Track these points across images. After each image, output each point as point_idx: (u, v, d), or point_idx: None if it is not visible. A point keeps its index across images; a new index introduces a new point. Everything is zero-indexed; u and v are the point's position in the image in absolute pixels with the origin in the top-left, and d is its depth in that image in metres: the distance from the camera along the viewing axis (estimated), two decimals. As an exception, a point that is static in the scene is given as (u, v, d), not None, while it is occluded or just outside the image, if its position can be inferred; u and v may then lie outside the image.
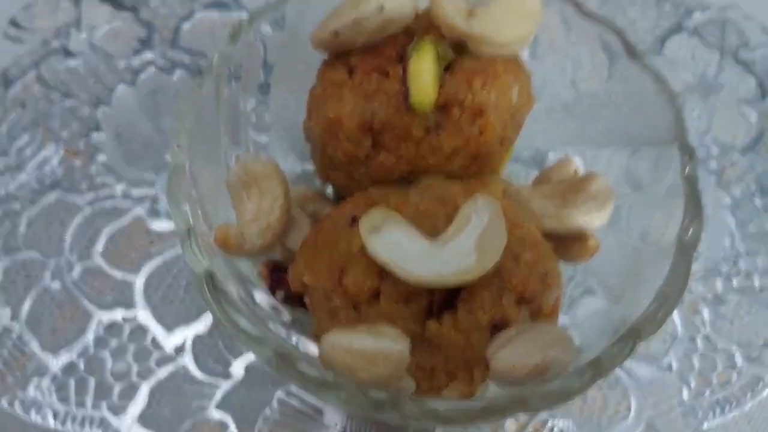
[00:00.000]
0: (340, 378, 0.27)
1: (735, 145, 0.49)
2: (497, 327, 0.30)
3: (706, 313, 0.43)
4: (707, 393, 0.41)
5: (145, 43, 0.51)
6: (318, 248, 0.33)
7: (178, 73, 0.50)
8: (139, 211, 0.45)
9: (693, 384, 0.41)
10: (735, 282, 0.44)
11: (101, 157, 0.46)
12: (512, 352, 0.27)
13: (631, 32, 0.53)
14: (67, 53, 0.50)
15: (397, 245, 0.29)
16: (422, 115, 0.33)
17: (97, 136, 0.47)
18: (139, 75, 0.50)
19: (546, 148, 0.43)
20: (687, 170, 0.32)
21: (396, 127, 0.33)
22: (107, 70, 0.50)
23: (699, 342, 0.42)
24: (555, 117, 0.41)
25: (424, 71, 0.32)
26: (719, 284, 0.44)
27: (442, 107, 0.33)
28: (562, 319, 0.38)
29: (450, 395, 0.31)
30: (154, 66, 0.50)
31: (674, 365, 0.41)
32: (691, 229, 0.31)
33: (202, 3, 0.53)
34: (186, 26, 0.52)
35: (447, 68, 0.34)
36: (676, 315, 0.43)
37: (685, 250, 0.30)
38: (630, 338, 0.27)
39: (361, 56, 0.35)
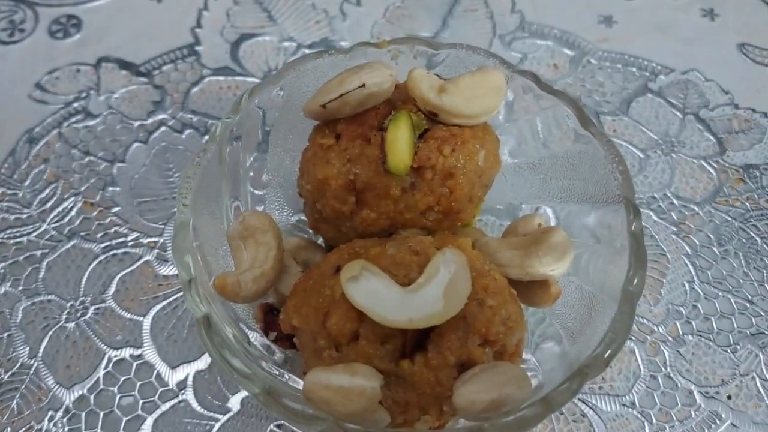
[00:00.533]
0: (319, 412, 0.30)
1: (694, 198, 0.53)
2: (464, 366, 0.34)
3: (666, 353, 0.46)
4: (667, 429, 0.44)
5: (158, 105, 0.56)
6: (306, 294, 0.37)
7: (187, 132, 0.55)
8: (149, 257, 0.49)
9: (654, 420, 0.44)
10: (694, 324, 0.48)
11: (115, 209, 0.51)
12: (471, 388, 0.31)
13: (598, 94, 0.58)
14: (87, 114, 0.55)
15: (374, 292, 0.33)
16: (399, 177, 0.37)
17: (112, 190, 0.52)
18: (152, 134, 0.55)
19: (517, 201, 0.47)
20: (633, 226, 0.36)
21: (376, 187, 0.38)
22: (123, 130, 0.55)
23: (660, 380, 0.46)
24: (522, 174, 0.46)
25: (399, 140, 0.37)
26: (679, 326, 0.47)
27: (417, 170, 0.37)
28: (530, 357, 0.42)
29: (422, 428, 0.35)
30: (166, 126, 0.55)
31: (637, 402, 0.45)
32: (635, 280, 0.35)
33: (210, 69, 0.58)
34: (195, 90, 0.57)
35: (421, 136, 0.38)
36: (638, 355, 0.46)
37: (629, 298, 0.34)
38: (578, 377, 0.31)
39: (347, 124, 0.39)
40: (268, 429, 0.43)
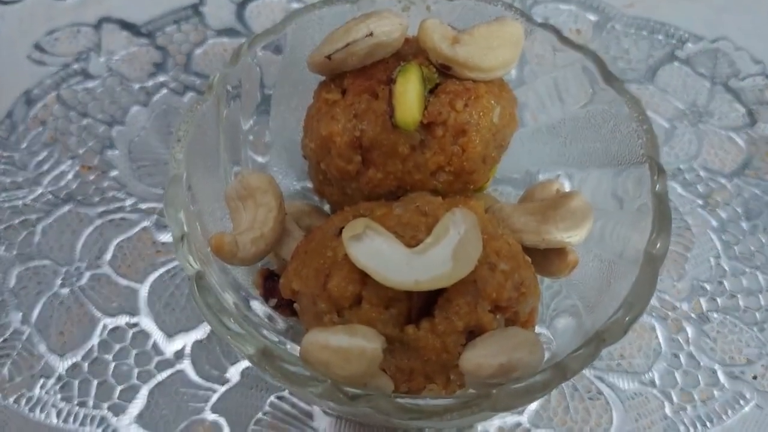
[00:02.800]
0: (317, 374, 0.28)
1: (723, 171, 0.50)
2: (473, 333, 0.32)
3: (690, 330, 0.44)
4: (689, 409, 0.41)
5: (160, 67, 0.54)
6: (307, 256, 0.35)
7: (189, 95, 0.53)
8: (147, 223, 0.47)
9: (675, 399, 0.42)
10: (719, 301, 0.45)
11: (114, 173, 0.49)
12: (479, 352, 0.29)
13: (623, 61, 0.55)
14: (87, 76, 0.53)
15: (378, 252, 0.31)
16: (408, 133, 0.35)
17: (110, 153, 0.50)
18: (153, 97, 0.52)
19: (534, 169, 0.45)
20: (657, 186, 0.33)
21: (383, 145, 0.35)
22: (123, 92, 0.53)
23: (682, 358, 0.43)
24: (541, 138, 0.43)
25: (408, 92, 0.34)
26: (704, 303, 0.45)
27: (427, 126, 0.35)
28: (544, 331, 0.39)
29: (427, 396, 0.33)
30: (167, 88, 0.53)
31: (657, 380, 0.42)
32: (658, 243, 0.32)
33: (215, 30, 0.56)
34: (198, 52, 0.55)
35: (432, 90, 0.36)
36: (659, 332, 0.44)
37: (652, 261, 0.32)
38: (594, 342, 0.29)
39: (353, 78, 0.37)
40: (269, 400, 0.41)
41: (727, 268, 0.46)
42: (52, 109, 0.52)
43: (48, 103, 0.52)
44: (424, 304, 0.32)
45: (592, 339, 0.29)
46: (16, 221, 0.47)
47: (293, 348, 0.38)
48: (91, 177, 0.49)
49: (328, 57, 0.36)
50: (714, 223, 0.48)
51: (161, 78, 0.53)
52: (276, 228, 0.37)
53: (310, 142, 0.38)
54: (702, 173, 0.50)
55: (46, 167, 0.49)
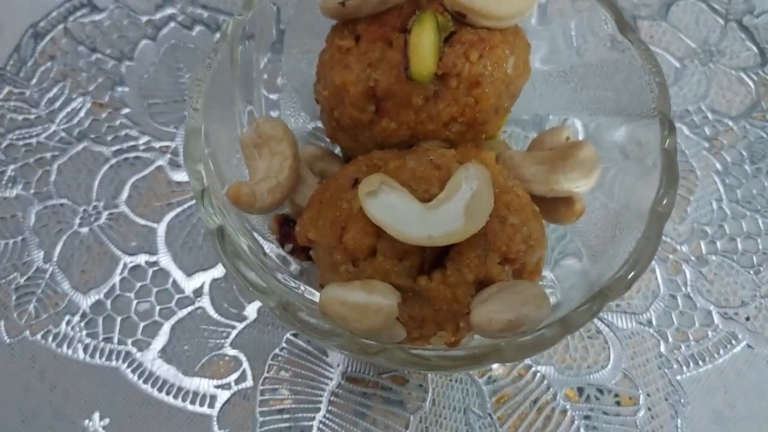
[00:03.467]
0: (335, 327, 0.30)
1: (729, 112, 0.50)
2: (482, 284, 0.33)
3: (688, 272, 0.46)
4: (683, 347, 0.44)
5: (167, -1, 0.53)
6: (323, 207, 0.36)
7: (197, 30, 0.52)
8: (161, 162, 0.48)
9: (670, 339, 0.44)
10: (719, 245, 0.46)
11: (125, 110, 0.49)
12: (489, 307, 0.30)
13: (637, -4, 0.54)
14: (93, 8, 0.53)
15: (392, 208, 0.32)
16: (422, 84, 0.35)
17: (121, 90, 0.50)
18: (161, 30, 0.52)
19: (544, 112, 0.45)
20: (667, 143, 0.34)
21: (397, 95, 0.36)
22: (131, 26, 0.52)
23: (679, 300, 0.45)
24: (552, 83, 0.43)
25: (424, 44, 0.34)
26: (703, 246, 0.46)
27: (441, 77, 0.35)
28: (548, 274, 0.41)
29: (437, 343, 0.35)
30: (175, 21, 0.52)
31: (654, 320, 0.44)
32: (665, 200, 0.33)
33: (221, -40, 0.55)
34: (205, -17, 0.54)
35: (447, 39, 0.36)
36: (658, 273, 0.45)
37: (658, 218, 0.33)
38: (598, 299, 0.30)
39: (367, 25, 0.37)
40: (284, 337, 0.43)
41: (728, 212, 0.47)
42: (60, 44, 0.51)
43: (56, 37, 0.52)
44: (437, 256, 0.33)
45: (596, 296, 0.31)
46: (31, 159, 0.48)
47: (307, 291, 0.40)
48: (103, 115, 0.49)
49: (342, 3, 0.36)
50: (718, 166, 0.48)
51: (169, 11, 0.53)
52: (291, 176, 0.37)
53: (323, 89, 0.39)
54: (710, 115, 0.50)
55: (57, 104, 0.49)
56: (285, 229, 0.40)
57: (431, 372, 0.32)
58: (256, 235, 0.40)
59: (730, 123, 0.50)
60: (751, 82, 0.51)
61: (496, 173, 0.35)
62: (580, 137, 0.44)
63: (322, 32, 0.40)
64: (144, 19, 0.52)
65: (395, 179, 0.33)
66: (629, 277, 0.31)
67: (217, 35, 0.51)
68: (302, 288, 0.40)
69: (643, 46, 0.36)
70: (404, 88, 0.35)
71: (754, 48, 0.52)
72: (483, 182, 0.32)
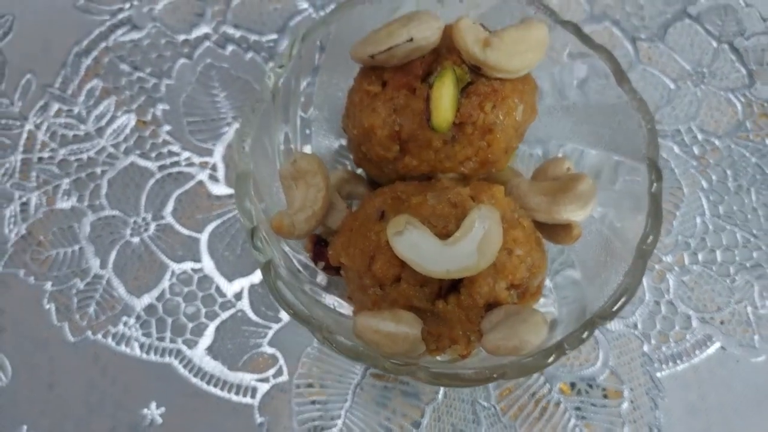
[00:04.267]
0: (368, 349, 0.36)
1: (717, 132, 0.55)
2: (491, 306, 0.39)
3: (671, 281, 0.51)
4: (664, 348, 0.50)
5: (200, 18, 0.57)
6: (353, 235, 0.41)
7: (230, 49, 0.56)
8: (201, 177, 0.53)
9: (653, 340, 0.50)
10: (700, 256, 0.52)
11: (167, 127, 0.54)
12: (497, 335, 0.36)
13: (637, 18, 0.58)
14: (133, 26, 0.57)
15: (415, 245, 0.37)
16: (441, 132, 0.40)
17: (162, 108, 0.55)
18: (196, 50, 0.56)
19: (547, 138, 0.50)
20: (653, 188, 0.39)
21: (419, 139, 0.41)
22: (168, 45, 0.56)
23: (662, 306, 0.51)
24: (556, 115, 0.48)
25: (443, 99, 0.39)
26: (686, 257, 0.52)
27: (458, 125, 0.40)
28: (548, 283, 0.46)
29: (452, 354, 0.41)
30: (209, 41, 0.56)
31: (639, 324, 0.50)
32: (650, 238, 0.39)
33: (250, -20, 0.58)
34: (236, 2, 0.58)
35: (464, 89, 0.41)
36: (645, 282, 0.51)
37: (643, 255, 0.38)
38: (588, 327, 0.36)
39: (393, 73, 0.41)
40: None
41: (710, 226, 0.53)
42: (103, 62, 0.56)
43: (99, 56, 0.56)
44: (452, 282, 0.39)
45: (587, 324, 0.36)
46: (83, 174, 0.53)
47: (332, 299, 0.45)
48: (147, 132, 0.54)
49: (372, 56, 0.40)
50: (704, 183, 0.54)
51: (204, 29, 0.57)
52: (324, 206, 0.43)
53: (352, 127, 0.43)
54: (699, 135, 0.55)
55: (104, 121, 0.54)
56: (318, 248, 0.46)
57: (446, 386, 0.38)
58: (287, 250, 0.45)
59: (717, 142, 0.55)
60: (738, 103, 0.56)
61: (504, 207, 0.41)
62: (580, 161, 0.49)
63: (351, 70, 0.44)
64: (180, 38, 0.56)
65: (417, 215, 0.39)
66: (615, 308, 0.37)
67: (262, 77, 0.55)
68: (327, 297, 0.46)
69: (638, 96, 0.41)
70: (426, 134, 0.40)
71: (743, 69, 0.57)
72: (493, 222, 0.38)
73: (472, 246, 0.37)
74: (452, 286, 0.39)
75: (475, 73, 0.41)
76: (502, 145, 0.41)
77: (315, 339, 0.48)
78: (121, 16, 0.57)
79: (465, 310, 0.38)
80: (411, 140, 0.41)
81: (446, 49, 0.41)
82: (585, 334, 0.36)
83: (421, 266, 0.37)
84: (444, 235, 0.38)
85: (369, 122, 0.41)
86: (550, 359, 0.36)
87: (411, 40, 0.39)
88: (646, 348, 0.50)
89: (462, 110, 0.40)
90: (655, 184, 0.39)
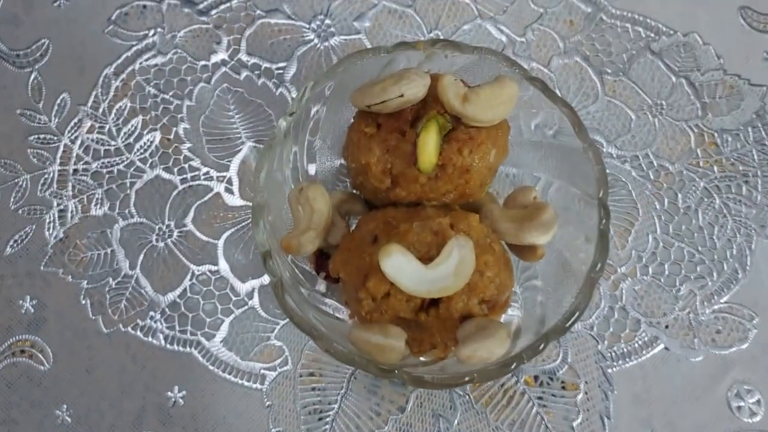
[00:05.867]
0: (362, 356, 0.44)
1: (671, 158, 0.62)
2: (465, 317, 0.47)
3: (624, 289, 0.59)
4: (615, 347, 0.58)
5: (218, 46, 0.64)
6: (350, 254, 0.49)
7: (244, 75, 0.63)
8: (218, 189, 0.60)
9: (606, 341, 0.58)
10: (650, 268, 0.60)
11: (188, 145, 0.61)
12: (470, 347, 0.44)
13: (605, 54, 0.65)
14: (159, 52, 0.63)
15: (401, 268, 0.44)
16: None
17: (183, 127, 0.62)
18: (214, 75, 0.63)
19: (520, 164, 0.57)
20: (602, 224, 0.47)
21: (408, 176, 0.48)
22: (189, 69, 0.63)
23: (615, 311, 0.59)
24: (525, 147, 0.55)
25: (428, 145, 0.46)
26: (638, 269, 0.60)
27: (441, 166, 0.47)
28: (516, 290, 0.54)
29: (432, 356, 0.49)
30: (225, 67, 0.63)
31: (595, 326, 0.59)
32: (598, 267, 0.46)
33: (263, 11, 0.65)
34: (249, 32, 0.64)
35: (446, 135, 0.48)
36: (601, 290, 0.59)
37: (591, 282, 0.46)
38: (542, 341, 0.44)
39: (386, 117, 0.48)
40: (315, 333, 0.57)
41: (660, 242, 0.61)
42: (131, 84, 0.62)
43: (127, 78, 0.62)
44: (433, 299, 0.47)
45: (541, 339, 0.44)
46: (114, 185, 0.60)
47: (331, 303, 0.53)
48: (170, 149, 0.61)
49: (368, 106, 0.48)
50: (657, 204, 0.61)
51: (220, 56, 0.63)
52: (326, 227, 0.50)
53: (351, 161, 0.51)
54: (654, 161, 0.62)
55: (132, 138, 0.61)
56: (320, 261, 0.53)
57: (426, 388, 0.47)
58: (291, 259, 0.53)
59: (670, 167, 0.62)
60: (691, 133, 0.63)
61: (478, 233, 0.48)
62: (545, 190, 0.56)
63: (350, 107, 0.51)
64: (200, 64, 0.63)
65: (404, 241, 0.46)
66: (567, 325, 0.45)
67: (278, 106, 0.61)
68: (327, 301, 0.53)
69: (594, 147, 0.48)
70: (413, 172, 0.47)
71: (697, 102, 0.64)
72: (467, 250, 0.45)
73: (450, 270, 0.45)
74: (433, 301, 0.47)
75: (455, 120, 0.48)
76: (477, 182, 0.49)
77: (316, 336, 0.57)
78: (146, 41, 0.63)
79: (443, 321, 0.46)
80: (401, 176, 0.48)
81: (432, 98, 0.48)
82: (541, 347, 0.44)
83: (406, 286, 0.44)
84: (427, 259, 0.46)
85: (365, 159, 0.49)
86: (512, 367, 0.44)
87: (402, 95, 0.46)
88: (600, 347, 0.58)
89: (444, 154, 0.47)
90: (604, 221, 0.47)
